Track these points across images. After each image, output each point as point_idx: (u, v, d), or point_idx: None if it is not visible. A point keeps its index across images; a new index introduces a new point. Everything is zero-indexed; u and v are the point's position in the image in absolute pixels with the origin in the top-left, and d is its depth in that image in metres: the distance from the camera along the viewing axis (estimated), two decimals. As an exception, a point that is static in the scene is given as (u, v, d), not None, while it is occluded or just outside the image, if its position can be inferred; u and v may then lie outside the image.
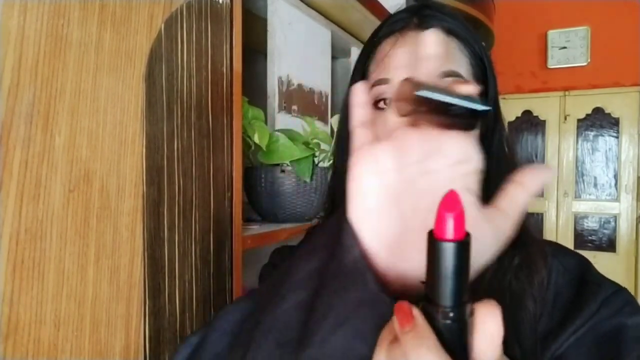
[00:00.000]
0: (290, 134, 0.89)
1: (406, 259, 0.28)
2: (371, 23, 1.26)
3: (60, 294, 0.47)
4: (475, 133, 0.30)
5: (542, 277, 0.40)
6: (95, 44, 0.50)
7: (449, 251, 0.21)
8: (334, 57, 1.38)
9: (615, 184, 2.74)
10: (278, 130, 0.92)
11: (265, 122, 0.91)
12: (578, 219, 2.82)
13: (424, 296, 0.23)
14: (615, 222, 2.72)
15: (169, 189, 0.60)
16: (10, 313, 0.42)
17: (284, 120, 1.07)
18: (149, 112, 0.57)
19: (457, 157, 0.28)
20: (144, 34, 0.56)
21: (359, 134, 0.31)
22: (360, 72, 0.53)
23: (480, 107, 0.26)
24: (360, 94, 0.32)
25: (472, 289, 0.38)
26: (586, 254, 0.46)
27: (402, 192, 0.28)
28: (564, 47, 2.87)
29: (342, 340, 0.27)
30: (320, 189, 0.92)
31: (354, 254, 0.29)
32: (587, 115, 2.82)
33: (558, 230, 2.82)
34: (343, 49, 1.42)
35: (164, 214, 0.59)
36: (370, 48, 0.52)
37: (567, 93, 2.85)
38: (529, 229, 0.45)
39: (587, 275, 0.42)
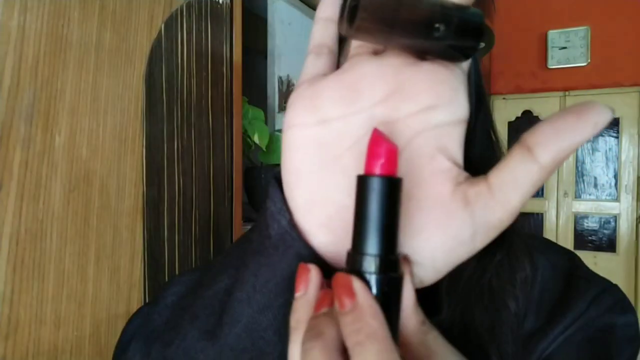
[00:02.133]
0: (290, 134, 0.89)
1: (349, 239, 0.20)
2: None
3: (60, 294, 0.47)
4: (464, 67, 0.21)
5: (525, 275, 0.36)
6: (95, 44, 0.50)
7: (378, 187, 0.17)
8: (334, 57, 1.38)
9: (615, 184, 2.74)
10: (278, 130, 0.92)
11: (265, 122, 0.91)
12: (578, 219, 2.82)
13: (349, 253, 0.19)
14: (615, 222, 2.72)
15: (169, 189, 0.60)
16: (10, 313, 0.42)
17: (284, 120, 1.07)
18: (149, 112, 0.57)
19: (429, 100, 0.20)
20: (144, 34, 0.56)
21: (309, 63, 0.23)
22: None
23: (474, 19, 0.19)
24: (329, 6, 0.23)
25: (447, 288, 0.34)
26: (586, 254, 0.43)
27: (347, 149, 0.21)
28: (564, 47, 2.87)
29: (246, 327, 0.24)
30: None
31: (281, 222, 0.22)
32: (587, 115, 2.82)
33: (558, 230, 2.82)
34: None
35: (164, 214, 0.59)
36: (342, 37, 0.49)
37: (567, 93, 2.85)
38: (514, 224, 0.41)
39: (575, 271, 0.39)
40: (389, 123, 0.20)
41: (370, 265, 0.18)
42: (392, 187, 0.18)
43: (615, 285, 0.38)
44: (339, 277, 0.18)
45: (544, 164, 0.18)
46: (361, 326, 0.17)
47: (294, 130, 0.21)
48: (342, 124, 0.21)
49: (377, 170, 0.18)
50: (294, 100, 0.22)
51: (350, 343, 0.17)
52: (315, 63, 0.23)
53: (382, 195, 0.17)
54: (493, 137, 0.43)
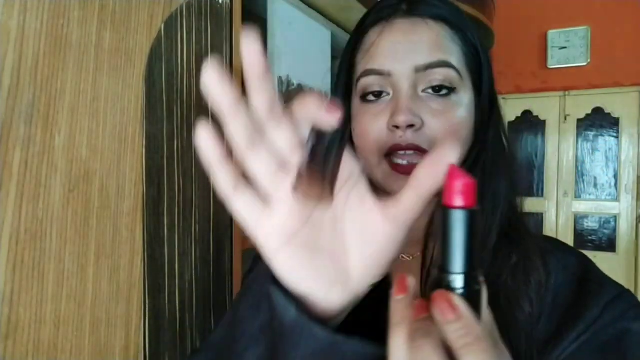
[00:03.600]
0: (290, 134, 0.89)
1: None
2: (371, 23, 1.27)
3: (60, 294, 0.47)
4: None
5: (539, 277, 0.37)
6: (95, 44, 0.50)
7: (462, 218, 0.22)
8: (334, 57, 1.38)
9: (615, 184, 2.74)
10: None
11: (265, 122, 0.91)
12: (578, 219, 2.82)
13: (438, 274, 0.23)
14: (615, 222, 2.72)
15: (169, 189, 0.60)
16: (10, 313, 0.42)
17: (284, 120, 1.07)
18: (149, 112, 0.57)
19: None
20: (144, 34, 0.56)
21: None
22: (347, 63, 0.50)
23: None
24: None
25: None
26: (586, 254, 0.43)
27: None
28: (564, 47, 2.86)
29: None
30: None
31: (291, 313, 0.26)
32: (587, 115, 2.82)
33: (558, 230, 2.82)
34: (343, 49, 1.41)
35: (164, 214, 0.59)
36: (357, 37, 0.49)
37: (567, 93, 2.85)
38: (526, 225, 0.41)
39: (588, 274, 0.39)
40: None
41: (459, 281, 0.22)
42: (473, 217, 0.22)
43: (629, 291, 0.38)
44: (441, 294, 0.22)
45: (422, 190, 0.24)
46: (468, 331, 0.21)
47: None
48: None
49: (458, 202, 0.22)
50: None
51: (458, 345, 0.21)
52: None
53: (468, 223, 0.22)
54: (504, 140, 0.44)
